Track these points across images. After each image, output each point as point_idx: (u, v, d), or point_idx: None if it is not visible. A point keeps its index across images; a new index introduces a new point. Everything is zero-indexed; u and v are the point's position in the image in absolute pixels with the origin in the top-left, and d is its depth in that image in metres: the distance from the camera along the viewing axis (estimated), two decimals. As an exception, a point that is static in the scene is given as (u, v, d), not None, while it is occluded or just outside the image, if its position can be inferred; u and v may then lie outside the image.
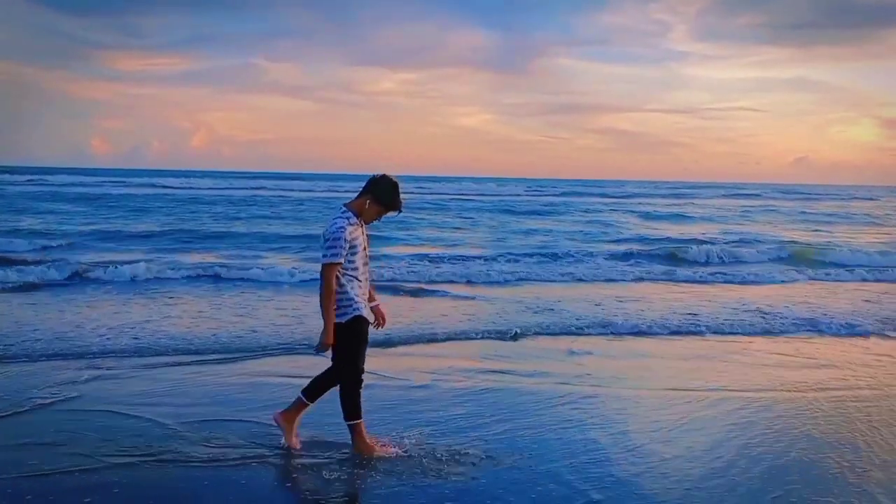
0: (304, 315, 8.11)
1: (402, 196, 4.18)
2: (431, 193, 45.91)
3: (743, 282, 12.24)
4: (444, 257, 14.24)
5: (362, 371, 4.17)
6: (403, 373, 6.04)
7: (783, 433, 4.78)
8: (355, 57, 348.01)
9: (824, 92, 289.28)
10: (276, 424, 4.33)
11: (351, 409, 4.17)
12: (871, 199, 57.57)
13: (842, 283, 12.34)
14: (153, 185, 44.98)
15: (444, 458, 4.17)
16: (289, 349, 6.80)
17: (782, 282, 12.38)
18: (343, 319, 4.08)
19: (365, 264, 4.19)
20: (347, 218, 4.08)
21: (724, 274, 12.88)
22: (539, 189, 58.82)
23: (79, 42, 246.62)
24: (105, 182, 48.54)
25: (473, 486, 3.87)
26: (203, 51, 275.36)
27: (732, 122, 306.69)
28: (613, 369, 6.44)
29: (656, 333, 7.96)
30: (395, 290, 10.27)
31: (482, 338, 7.55)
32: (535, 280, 11.85)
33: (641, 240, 19.69)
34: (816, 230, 25.21)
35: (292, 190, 45.84)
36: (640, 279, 12.21)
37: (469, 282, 11.49)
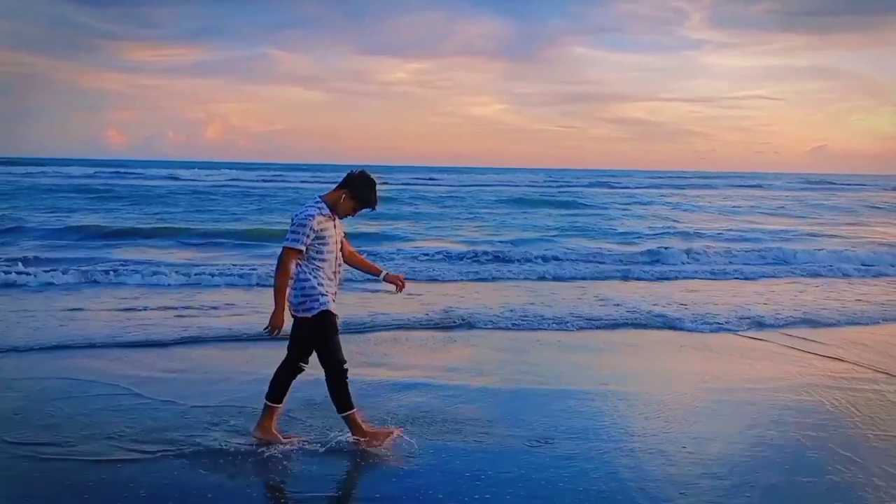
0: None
1: (378, 193, 4.22)
2: (430, 185, 45.83)
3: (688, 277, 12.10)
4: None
5: (344, 361, 4.19)
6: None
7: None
8: (367, 47, 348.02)
9: (843, 80, 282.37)
10: (259, 440, 4.31)
11: (341, 401, 4.22)
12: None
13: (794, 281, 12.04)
14: (146, 177, 45.40)
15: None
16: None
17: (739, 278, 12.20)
18: (310, 314, 4.09)
19: (337, 258, 4.17)
20: (319, 208, 4.08)
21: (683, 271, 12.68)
22: (552, 180, 58.56)
23: (90, 33, 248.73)
24: (110, 173, 48.99)
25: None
26: (215, 41, 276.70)
27: (750, 110, 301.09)
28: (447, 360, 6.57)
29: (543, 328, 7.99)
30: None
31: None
32: (481, 278, 11.63)
33: (629, 235, 19.48)
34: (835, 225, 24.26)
35: (289, 181, 45.89)
36: (586, 278, 11.92)
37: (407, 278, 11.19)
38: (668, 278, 12.04)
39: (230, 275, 10.85)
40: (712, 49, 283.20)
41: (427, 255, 13.89)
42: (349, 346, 6.55)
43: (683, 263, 13.51)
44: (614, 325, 8.20)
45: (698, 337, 7.78)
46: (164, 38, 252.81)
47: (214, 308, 8.73)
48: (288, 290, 4.13)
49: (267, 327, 4.11)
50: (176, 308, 8.64)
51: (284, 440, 4.34)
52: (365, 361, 6.25)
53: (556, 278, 11.76)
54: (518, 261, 13.19)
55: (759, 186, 56.97)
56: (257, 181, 45.48)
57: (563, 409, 5.20)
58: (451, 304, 9.06)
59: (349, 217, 4.28)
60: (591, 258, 13.75)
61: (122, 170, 53.15)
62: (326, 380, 4.24)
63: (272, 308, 4.09)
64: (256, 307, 8.69)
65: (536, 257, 13.51)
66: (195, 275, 10.74)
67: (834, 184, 65.19)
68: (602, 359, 6.96)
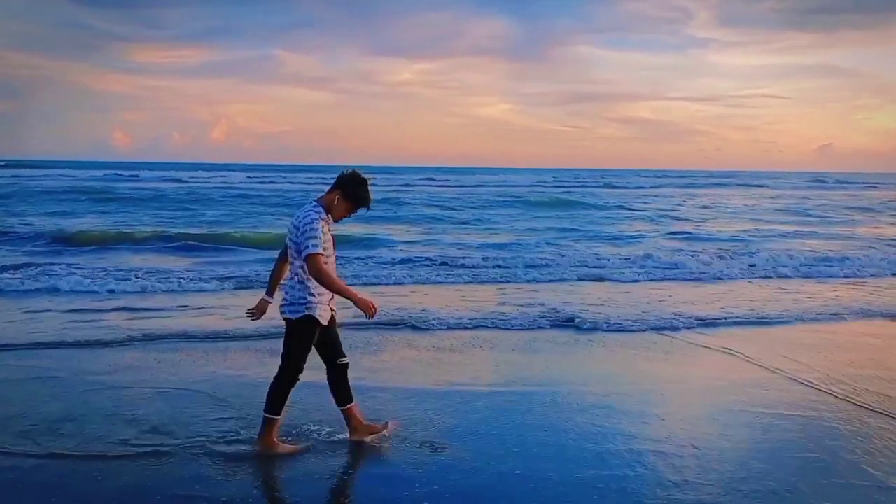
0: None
1: (370, 192, 4.19)
2: (432, 185, 45.86)
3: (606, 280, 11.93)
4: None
5: (301, 372, 4.22)
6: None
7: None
8: (374, 47, 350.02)
9: (849, 78, 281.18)
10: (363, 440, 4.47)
11: (274, 402, 4.23)
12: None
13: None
14: (144, 180, 45.51)
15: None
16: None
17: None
18: (294, 316, 4.13)
19: (332, 264, 4.15)
20: (318, 212, 4.08)
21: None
22: (560, 181, 58.71)
23: (98, 34, 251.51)
24: (113, 175, 49.27)
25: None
26: (222, 42, 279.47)
27: (756, 109, 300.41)
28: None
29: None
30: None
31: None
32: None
33: (624, 236, 19.51)
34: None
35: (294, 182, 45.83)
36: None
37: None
38: (640, 280, 11.95)
39: (199, 279, 10.85)
40: (718, 48, 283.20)
41: (402, 259, 13.77)
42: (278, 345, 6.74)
43: (659, 266, 13.29)
44: (542, 327, 8.18)
45: (617, 337, 7.80)
46: (171, 40, 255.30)
47: (179, 308, 8.89)
48: (284, 293, 4.18)
49: (367, 315, 4.13)
50: (131, 310, 8.72)
51: (381, 428, 4.54)
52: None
53: (533, 280, 11.70)
54: (490, 266, 12.99)
55: (766, 186, 56.72)
56: (262, 182, 45.64)
57: (472, 409, 5.25)
58: (403, 305, 9.05)
59: (344, 219, 4.25)
60: (565, 261, 13.66)
61: (123, 172, 53.55)
62: (276, 376, 4.25)
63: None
64: (218, 309, 8.86)
65: (510, 259, 13.46)
66: (174, 280, 10.72)
67: (848, 182, 64.75)
68: (522, 360, 6.94)
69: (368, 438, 4.48)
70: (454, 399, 5.45)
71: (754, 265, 13.50)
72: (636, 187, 50.68)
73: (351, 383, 4.47)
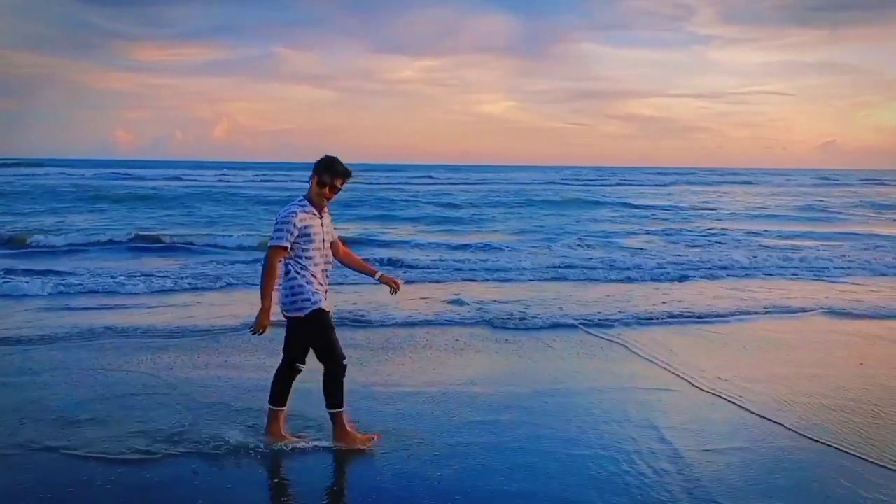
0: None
1: (341, 166, 4.14)
2: (429, 183, 45.69)
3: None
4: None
5: (343, 357, 4.21)
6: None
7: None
8: (376, 45, 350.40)
9: (852, 74, 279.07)
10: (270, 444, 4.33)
11: (334, 397, 4.24)
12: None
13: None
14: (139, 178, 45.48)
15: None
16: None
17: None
18: (302, 314, 4.11)
19: (324, 256, 4.18)
20: (302, 206, 4.10)
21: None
22: (564, 179, 58.61)
23: (100, 32, 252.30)
24: (111, 174, 49.43)
25: None
26: (224, 40, 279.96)
27: (759, 106, 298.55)
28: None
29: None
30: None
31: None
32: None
33: (616, 234, 19.30)
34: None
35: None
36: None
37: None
38: (599, 280, 11.85)
39: (179, 278, 10.73)
40: (721, 45, 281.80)
41: (377, 259, 13.52)
42: (210, 343, 6.86)
43: (628, 268, 12.96)
44: (468, 324, 8.23)
45: (536, 334, 7.83)
46: (173, 38, 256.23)
47: (156, 306, 8.87)
48: (282, 291, 4.15)
49: (252, 327, 4.08)
50: (101, 308, 8.67)
51: (295, 439, 4.39)
52: (208, 361, 6.37)
53: (499, 280, 11.61)
54: (463, 267, 12.84)
55: (769, 183, 56.35)
56: (264, 181, 45.55)
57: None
58: (355, 302, 8.99)
59: (330, 200, 4.19)
60: (538, 262, 13.54)
61: (122, 171, 53.72)
62: (325, 375, 4.22)
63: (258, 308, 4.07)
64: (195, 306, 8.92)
65: (485, 260, 13.56)
66: (158, 280, 10.54)
67: (857, 181, 64.00)
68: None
69: (270, 443, 4.35)
70: (373, 400, 5.40)
71: (720, 262, 13.45)
72: (638, 184, 50.46)
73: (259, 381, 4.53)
